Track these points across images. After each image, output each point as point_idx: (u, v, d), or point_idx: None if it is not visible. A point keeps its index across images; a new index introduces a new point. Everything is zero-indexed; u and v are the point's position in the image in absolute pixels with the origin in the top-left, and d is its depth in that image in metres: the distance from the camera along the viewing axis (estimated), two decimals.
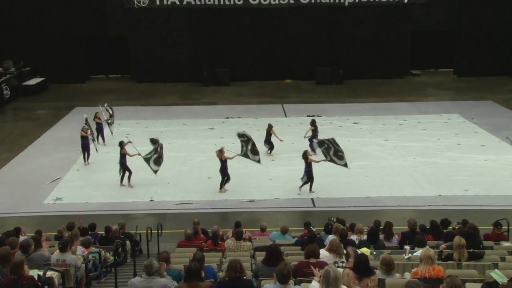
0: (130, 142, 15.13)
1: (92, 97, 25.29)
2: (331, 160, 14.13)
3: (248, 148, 14.63)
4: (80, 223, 10.78)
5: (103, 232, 10.39)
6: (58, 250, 7.86)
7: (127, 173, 14.63)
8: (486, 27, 27.16)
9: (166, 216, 13.09)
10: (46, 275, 6.80)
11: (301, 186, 14.01)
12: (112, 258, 9.21)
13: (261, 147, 15.89)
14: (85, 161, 16.31)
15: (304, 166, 13.80)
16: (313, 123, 16.96)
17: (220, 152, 13.96)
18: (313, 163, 13.81)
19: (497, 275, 5.84)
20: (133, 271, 8.85)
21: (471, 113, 21.26)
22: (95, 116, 17.97)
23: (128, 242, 10.31)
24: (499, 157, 16.45)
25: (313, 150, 15.81)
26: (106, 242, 9.80)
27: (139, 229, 11.11)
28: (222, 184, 14.18)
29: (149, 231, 10.52)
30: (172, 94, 25.84)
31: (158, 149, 14.63)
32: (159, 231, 10.86)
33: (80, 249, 8.50)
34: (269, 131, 16.84)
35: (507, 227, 10.33)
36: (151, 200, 13.92)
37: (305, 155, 13.84)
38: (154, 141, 14.72)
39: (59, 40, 27.11)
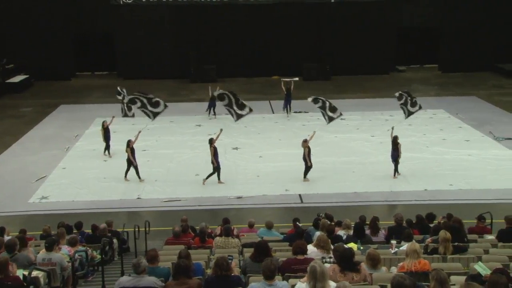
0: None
1: (78, 94, 25.14)
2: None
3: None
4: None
5: (90, 231, 10.33)
6: (44, 249, 7.80)
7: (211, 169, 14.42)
8: (469, 24, 27.49)
9: (153, 213, 13.05)
10: (32, 275, 6.74)
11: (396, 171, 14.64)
12: (99, 256, 9.15)
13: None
14: (139, 178, 14.67)
15: (391, 150, 14.52)
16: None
17: (305, 142, 14.28)
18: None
19: (481, 268, 5.94)
20: (120, 269, 8.82)
21: (456, 108, 21.50)
22: (103, 125, 16.63)
23: (115, 240, 10.25)
24: (483, 151, 16.68)
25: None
26: (93, 240, 9.74)
27: (127, 227, 11.06)
28: (306, 173, 14.45)
29: (136, 229, 10.49)
30: (159, 91, 25.55)
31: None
32: (147, 228, 10.82)
33: (66, 248, 8.43)
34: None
35: (490, 221, 10.48)
36: (138, 198, 13.86)
37: (395, 141, 14.46)
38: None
39: (44, 36, 26.81)
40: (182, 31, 27.53)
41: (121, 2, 25.49)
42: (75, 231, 10.35)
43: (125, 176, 14.69)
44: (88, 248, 9.03)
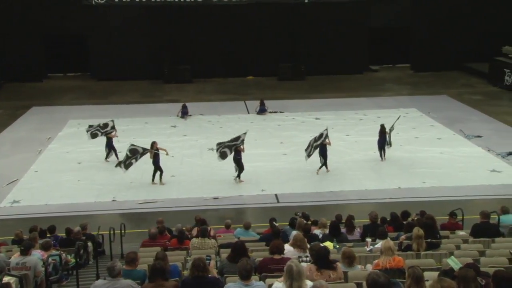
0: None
1: (50, 96, 24.70)
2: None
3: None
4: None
5: (64, 234, 10.16)
6: (18, 253, 7.65)
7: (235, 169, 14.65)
8: (439, 24, 28.12)
9: (129, 216, 12.91)
10: (3, 281, 6.59)
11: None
12: (73, 260, 9.01)
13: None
14: (160, 181, 14.68)
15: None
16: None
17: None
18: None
19: (453, 262, 6.05)
20: (95, 273, 8.71)
21: (428, 107, 21.93)
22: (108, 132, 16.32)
23: (90, 244, 10.11)
24: (454, 149, 17.06)
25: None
26: (67, 244, 9.58)
27: (102, 230, 10.92)
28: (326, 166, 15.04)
29: (111, 232, 10.37)
30: (133, 92, 25.45)
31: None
32: (122, 231, 10.71)
33: (39, 253, 8.27)
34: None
35: (461, 217, 10.72)
36: (113, 200, 13.70)
37: (382, 129, 15.32)
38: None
39: (14, 37, 26.21)
40: (155, 32, 27.30)
41: (93, 2, 25.10)
42: (48, 235, 10.16)
43: (152, 180, 14.48)
44: (62, 252, 8.87)
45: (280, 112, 21.50)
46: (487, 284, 5.22)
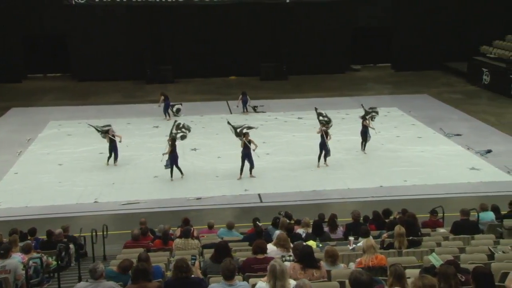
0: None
1: (30, 97, 24.33)
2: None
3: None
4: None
5: (45, 237, 10.03)
6: None
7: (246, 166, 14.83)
8: (420, 23, 28.48)
9: (111, 217, 12.80)
10: None
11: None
12: (55, 263, 8.90)
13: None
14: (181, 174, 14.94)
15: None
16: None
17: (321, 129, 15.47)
18: None
19: (434, 259, 6.15)
20: (77, 275, 8.62)
21: (409, 106, 22.18)
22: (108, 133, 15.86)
23: (72, 246, 10.00)
24: (435, 147, 17.29)
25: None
26: (49, 246, 9.46)
27: (84, 232, 10.82)
28: (321, 158, 15.42)
29: (94, 233, 10.28)
30: (115, 93, 25.23)
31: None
32: (105, 232, 10.62)
33: (19, 256, 8.15)
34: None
35: (442, 214, 10.89)
36: (95, 202, 13.57)
37: (363, 121, 16.43)
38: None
39: None
40: (137, 31, 27.08)
41: (74, 2, 24.78)
42: (29, 237, 10.02)
43: (181, 174, 14.85)
44: (43, 255, 8.76)
45: (261, 106, 21.56)
46: (467, 281, 5.32)
